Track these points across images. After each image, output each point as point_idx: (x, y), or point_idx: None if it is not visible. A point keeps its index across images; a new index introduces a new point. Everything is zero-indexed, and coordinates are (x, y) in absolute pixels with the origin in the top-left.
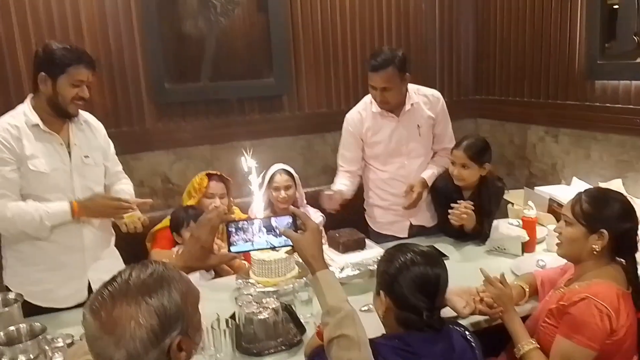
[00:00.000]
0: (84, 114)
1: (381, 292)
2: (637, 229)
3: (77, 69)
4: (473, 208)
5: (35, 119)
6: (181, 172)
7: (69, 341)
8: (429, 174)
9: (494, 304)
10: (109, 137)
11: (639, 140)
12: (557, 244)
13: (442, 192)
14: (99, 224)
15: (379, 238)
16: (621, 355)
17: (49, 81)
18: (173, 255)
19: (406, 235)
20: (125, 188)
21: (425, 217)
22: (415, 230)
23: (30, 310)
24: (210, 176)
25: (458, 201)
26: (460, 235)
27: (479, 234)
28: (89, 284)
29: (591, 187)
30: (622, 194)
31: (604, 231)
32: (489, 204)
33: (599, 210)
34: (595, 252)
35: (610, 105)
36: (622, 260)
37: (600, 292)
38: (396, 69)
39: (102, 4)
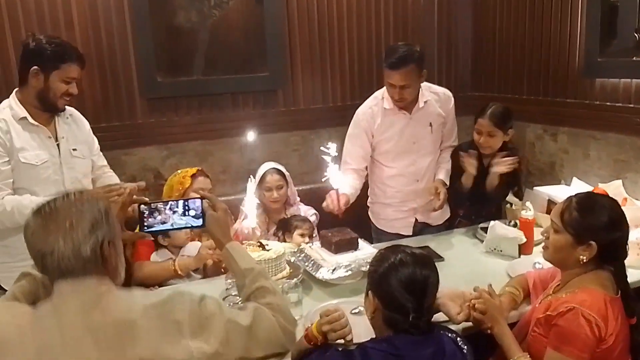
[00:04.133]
0: (69, 109)
1: (370, 292)
2: (626, 236)
3: (70, 65)
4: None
5: (22, 112)
6: (173, 167)
7: None
8: (444, 174)
9: (484, 311)
10: (100, 131)
11: (638, 140)
12: (544, 248)
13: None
14: None
15: (382, 236)
16: None
17: (41, 76)
18: (169, 265)
19: (410, 233)
20: (113, 180)
21: (433, 215)
22: (420, 228)
23: None
24: (194, 174)
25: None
26: (478, 203)
27: (502, 195)
28: None
29: (581, 192)
30: (612, 199)
31: (592, 242)
32: (518, 167)
33: (588, 220)
34: (581, 262)
35: (610, 103)
36: (611, 267)
37: (586, 301)
38: (415, 66)
39: None
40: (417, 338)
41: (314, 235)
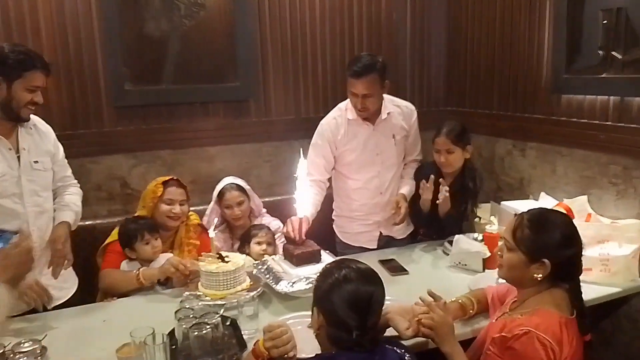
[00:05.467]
0: (34, 118)
1: (315, 308)
2: (580, 253)
3: (34, 74)
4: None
5: None
6: (140, 176)
7: None
8: (407, 190)
9: (432, 326)
10: (66, 139)
11: (602, 156)
12: (498, 266)
13: (427, 175)
14: (47, 228)
15: (347, 250)
16: None
17: (3, 85)
18: (133, 275)
19: (375, 247)
20: (72, 200)
21: (396, 228)
22: (384, 242)
23: None
24: (167, 182)
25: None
26: (437, 224)
27: (456, 218)
28: None
29: (533, 208)
30: (564, 215)
31: (546, 261)
32: (473, 184)
33: (540, 237)
34: (537, 280)
35: (576, 120)
36: (565, 283)
37: (542, 324)
38: (378, 76)
39: (60, 3)
40: (361, 355)
41: (274, 243)
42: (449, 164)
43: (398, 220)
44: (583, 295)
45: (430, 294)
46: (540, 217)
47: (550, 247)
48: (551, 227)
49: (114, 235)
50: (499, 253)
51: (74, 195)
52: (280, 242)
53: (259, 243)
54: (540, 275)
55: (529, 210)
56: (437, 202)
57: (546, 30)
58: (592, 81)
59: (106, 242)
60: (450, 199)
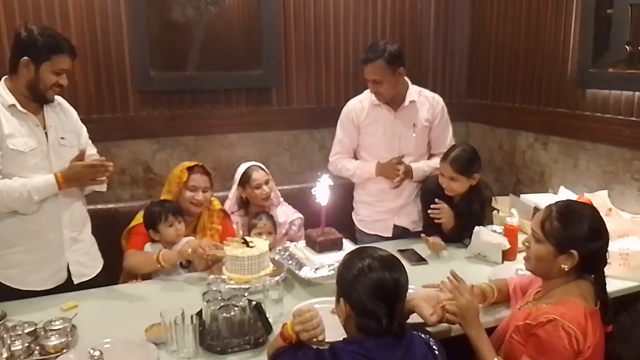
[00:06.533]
0: (57, 98)
1: (341, 299)
2: (606, 246)
3: (62, 57)
4: (447, 209)
5: (11, 99)
6: (163, 161)
7: (30, 329)
8: (417, 166)
9: (456, 313)
10: (92, 122)
11: (626, 152)
12: (525, 259)
13: (430, 194)
14: (76, 204)
15: (365, 238)
16: None
17: (31, 66)
18: (153, 257)
19: (390, 235)
20: None
21: (409, 219)
22: (400, 232)
23: (9, 294)
24: (192, 168)
25: (436, 200)
26: (442, 237)
27: (457, 237)
28: (68, 265)
29: (561, 200)
30: (592, 207)
31: (574, 252)
32: (480, 210)
33: (569, 229)
34: (564, 271)
35: (600, 115)
36: (591, 275)
37: (567, 313)
38: (385, 62)
39: None
40: (388, 340)
41: (275, 232)
42: (451, 190)
43: (395, 181)
44: None
45: (453, 274)
46: (568, 209)
47: (579, 239)
48: (580, 219)
49: (139, 218)
50: (525, 244)
51: None
52: (299, 233)
53: (259, 234)
54: (567, 267)
55: (557, 202)
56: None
57: (573, 23)
58: (618, 76)
59: (131, 224)
60: (455, 219)
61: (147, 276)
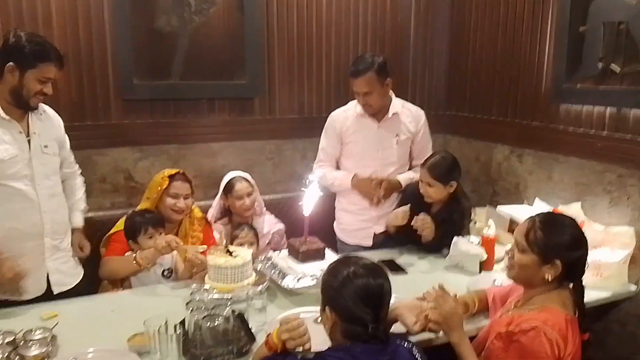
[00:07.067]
0: (42, 105)
1: (327, 307)
2: (587, 254)
3: (48, 66)
4: (430, 222)
5: None
6: (145, 169)
7: (10, 338)
8: (405, 177)
9: (439, 322)
10: (73, 130)
11: (597, 164)
12: (508, 267)
13: (410, 199)
14: (58, 211)
15: (346, 247)
16: None
17: (16, 72)
18: (131, 258)
19: (370, 244)
20: (81, 197)
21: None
22: (380, 240)
23: None
24: (173, 176)
25: (420, 214)
26: (419, 244)
27: (436, 246)
28: (47, 275)
29: (543, 212)
30: (572, 219)
31: (558, 262)
32: (460, 220)
33: (551, 238)
34: (547, 280)
35: (573, 128)
36: (570, 283)
37: (549, 320)
38: (375, 74)
39: None
40: (374, 347)
41: (257, 242)
42: (428, 195)
43: (378, 196)
44: None
45: (440, 286)
46: (551, 219)
47: (561, 247)
48: (562, 228)
49: (119, 225)
50: (509, 254)
51: (80, 190)
52: (282, 241)
53: (241, 245)
54: (551, 276)
55: (539, 214)
56: (412, 224)
57: (547, 40)
58: (591, 91)
59: (111, 231)
60: (434, 228)
61: (128, 285)
